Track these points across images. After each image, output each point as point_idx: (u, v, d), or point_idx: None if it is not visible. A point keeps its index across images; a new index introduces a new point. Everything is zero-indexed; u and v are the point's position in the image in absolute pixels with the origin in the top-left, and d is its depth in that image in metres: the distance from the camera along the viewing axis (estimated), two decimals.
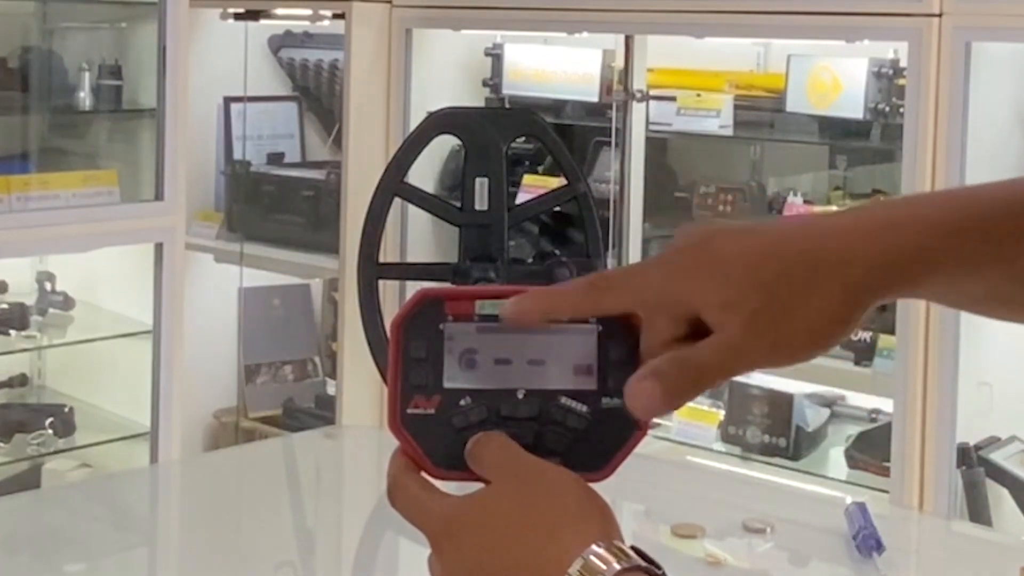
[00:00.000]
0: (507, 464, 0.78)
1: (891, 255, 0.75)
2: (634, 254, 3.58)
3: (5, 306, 3.55)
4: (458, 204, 1.87)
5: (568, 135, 3.72)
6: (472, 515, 0.77)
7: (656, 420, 3.72)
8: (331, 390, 4.10)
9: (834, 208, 3.38)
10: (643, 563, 0.74)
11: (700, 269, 0.75)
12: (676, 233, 0.78)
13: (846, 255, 0.74)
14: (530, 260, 1.95)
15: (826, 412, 3.41)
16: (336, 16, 3.88)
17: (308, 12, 4.06)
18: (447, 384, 0.82)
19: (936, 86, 2.90)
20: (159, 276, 3.39)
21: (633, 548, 0.74)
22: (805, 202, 3.42)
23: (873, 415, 3.35)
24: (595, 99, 3.75)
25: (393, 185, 1.89)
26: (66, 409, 3.50)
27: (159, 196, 3.40)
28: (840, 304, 0.74)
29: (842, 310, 0.74)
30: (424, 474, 0.82)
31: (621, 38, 3.55)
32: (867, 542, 1.73)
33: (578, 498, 0.76)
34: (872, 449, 3.20)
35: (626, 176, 3.55)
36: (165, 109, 3.39)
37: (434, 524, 0.78)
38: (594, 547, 0.73)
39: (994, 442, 3.00)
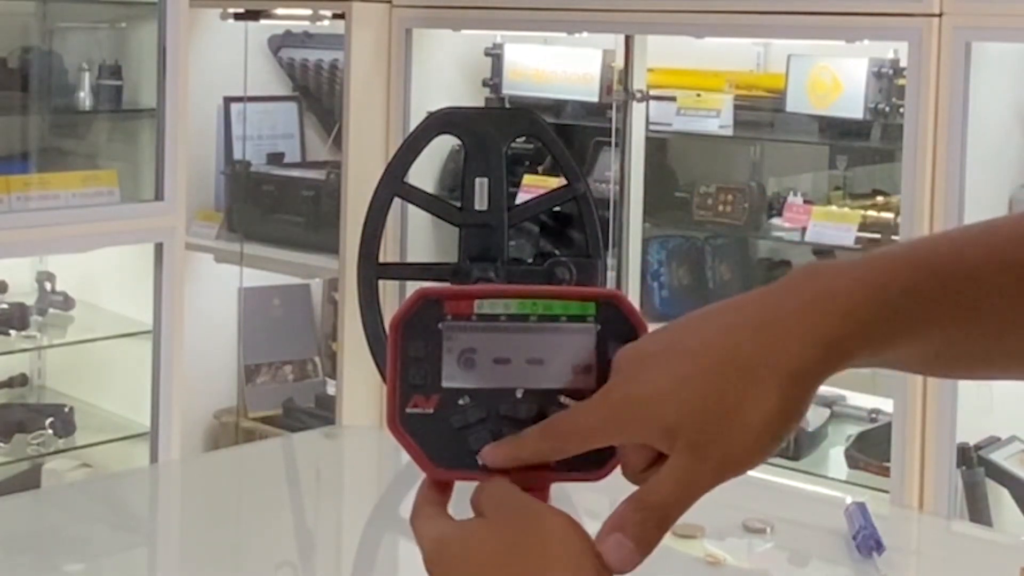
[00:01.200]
0: (507, 502, 0.78)
1: (825, 335, 0.72)
2: (634, 254, 3.58)
3: (5, 306, 3.55)
4: (458, 204, 1.87)
5: (568, 135, 3.72)
6: (463, 547, 0.77)
7: None
8: (331, 390, 4.10)
9: (833, 208, 3.38)
10: None
11: (634, 404, 0.75)
12: (614, 362, 0.78)
13: (774, 348, 0.72)
14: (530, 260, 1.95)
15: (826, 412, 3.41)
16: (336, 16, 3.88)
17: (308, 12, 4.06)
18: (446, 383, 0.82)
19: (936, 86, 2.90)
20: (159, 276, 3.39)
21: None
22: (805, 202, 3.42)
23: (873, 415, 3.35)
24: (595, 99, 3.75)
25: (393, 185, 1.89)
26: (66, 409, 3.50)
27: (159, 196, 3.40)
28: (777, 401, 0.72)
29: (781, 406, 0.73)
30: (423, 473, 0.82)
31: (621, 38, 3.55)
32: (867, 542, 1.73)
33: (572, 542, 0.75)
34: (872, 449, 3.20)
35: (626, 176, 3.55)
36: (165, 109, 3.39)
37: (428, 548, 0.78)
38: None
39: (994, 442, 3.00)
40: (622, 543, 0.74)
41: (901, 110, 3.09)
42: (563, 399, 0.81)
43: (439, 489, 0.82)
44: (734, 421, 0.72)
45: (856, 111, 3.32)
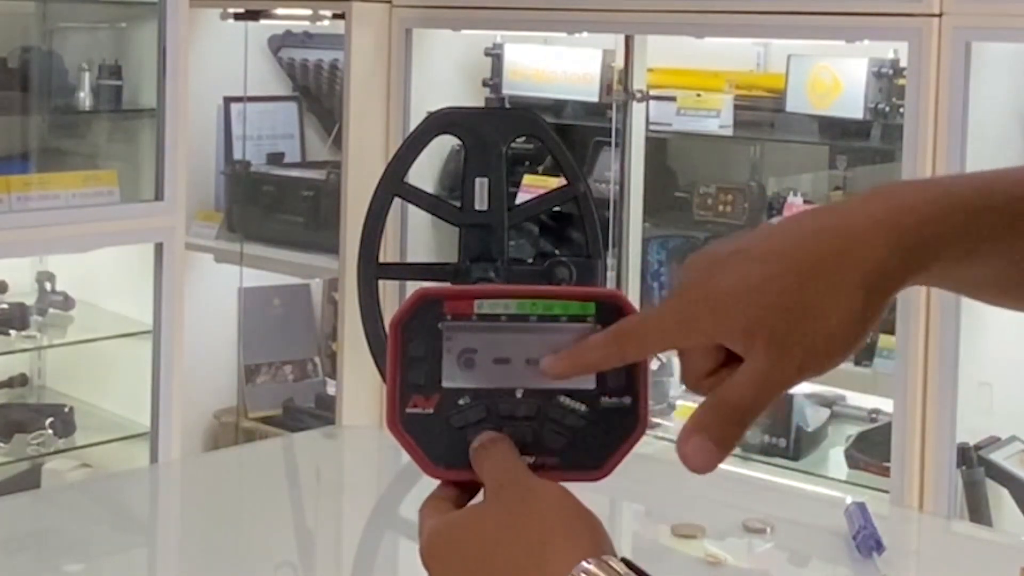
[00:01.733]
0: (501, 477, 0.78)
1: (906, 242, 0.74)
2: (634, 254, 3.58)
3: (5, 306, 3.55)
4: (458, 204, 1.87)
5: (568, 135, 3.72)
6: (460, 532, 0.77)
7: (656, 420, 3.68)
8: (331, 390, 4.10)
9: None
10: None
11: (711, 303, 0.75)
12: (683, 267, 0.77)
13: (856, 253, 0.73)
14: (530, 260, 1.95)
15: (826, 412, 3.41)
16: (336, 16, 3.88)
17: (308, 12, 4.06)
18: (446, 383, 0.82)
19: (936, 86, 2.90)
20: (159, 276, 3.39)
21: (624, 561, 0.74)
22: (805, 202, 3.42)
23: (873, 415, 3.35)
24: (595, 99, 3.75)
25: (393, 185, 1.89)
26: (66, 409, 3.50)
27: (159, 196, 3.40)
28: (860, 303, 0.73)
29: (863, 308, 0.73)
30: (423, 472, 0.82)
31: (621, 38, 3.55)
32: (867, 542, 1.73)
33: (568, 514, 0.76)
34: (872, 449, 3.20)
35: (626, 176, 3.55)
36: (165, 109, 3.39)
37: (424, 541, 0.78)
38: (584, 564, 0.73)
39: (994, 442, 3.00)
40: (703, 444, 0.74)
41: (901, 110, 3.09)
42: (563, 399, 0.81)
43: (453, 487, 0.81)
44: (815, 322, 0.73)
45: (856, 111, 3.32)
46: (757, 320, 0.73)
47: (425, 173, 3.72)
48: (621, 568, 0.73)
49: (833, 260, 0.73)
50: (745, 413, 0.74)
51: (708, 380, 0.77)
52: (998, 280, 0.79)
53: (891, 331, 3.03)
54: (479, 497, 0.80)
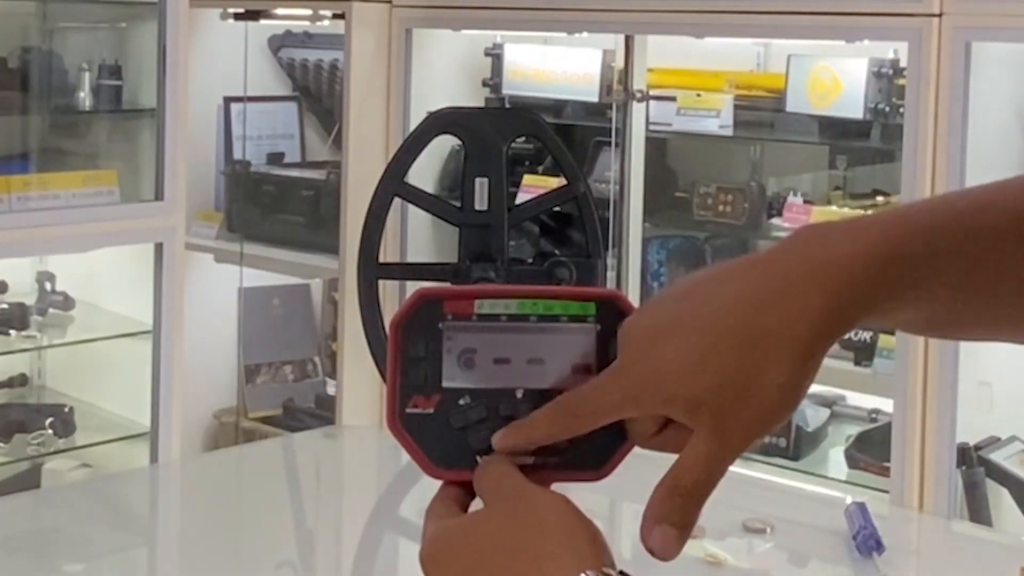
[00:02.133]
0: (502, 488, 0.78)
1: (837, 302, 0.74)
2: (634, 254, 3.58)
3: (5, 306, 3.55)
4: (458, 204, 1.87)
5: (568, 135, 3.72)
6: (458, 540, 0.77)
7: None
8: (331, 390, 4.10)
9: (833, 208, 3.38)
10: None
11: (656, 380, 0.76)
12: (622, 335, 0.78)
13: (789, 321, 0.74)
14: (530, 260, 1.95)
15: (826, 412, 3.41)
16: (336, 16, 3.88)
17: (308, 12, 4.06)
18: (446, 383, 0.82)
19: (936, 86, 2.90)
20: (159, 276, 3.39)
21: (622, 573, 0.74)
22: (805, 202, 3.42)
23: (873, 415, 3.35)
24: (595, 99, 3.75)
25: (393, 185, 1.89)
26: (66, 409, 3.50)
27: (159, 196, 3.40)
28: (796, 371, 0.74)
29: (799, 375, 0.74)
30: (423, 472, 0.82)
31: (621, 38, 3.55)
32: (867, 542, 1.73)
33: (568, 525, 0.76)
34: (872, 449, 3.20)
35: (626, 176, 3.55)
36: (165, 109, 3.39)
37: (423, 548, 0.78)
38: (583, 575, 0.73)
39: (994, 442, 3.00)
40: (668, 532, 0.76)
41: (901, 110, 3.08)
42: None
43: (457, 488, 0.81)
44: (755, 395, 0.74)
45: (856, 111, 3.32)
46: (700, 397, 0.74)
47: (425, 173, 3.72)
48: None
49: (765, 328, 0.74)
50: (700, 493, 0.76)
51: (656, 439, 0.79)
52: (938, 320, 0.79)
53: (891, 331, 3.03)
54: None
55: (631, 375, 0.77)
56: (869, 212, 3.27)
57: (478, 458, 0.81)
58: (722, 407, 0.74)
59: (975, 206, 0.78)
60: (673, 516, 0.76)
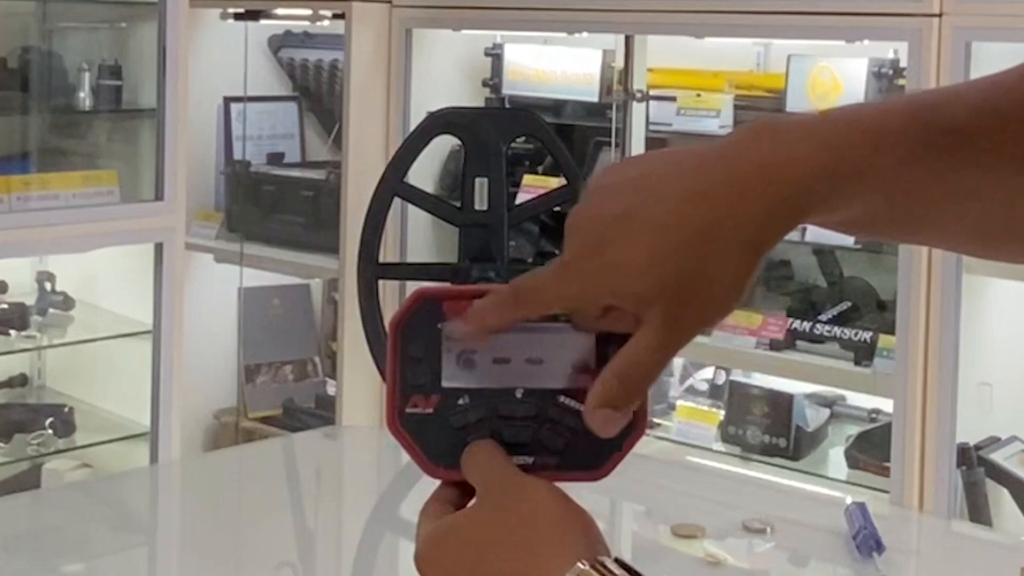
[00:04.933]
0: (492, 480, 0.79)
1: (785, 193, 0.76)
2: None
3: (5, 306, 3.55)
4: (458, 204, 1.87)
5: (568, 135, 3.72)
6: (451, 537, 0.77)
7: (656, 420, 3.66)
8: (331, 390, 4.10)
9: None
10: None
11: (607, 271, 0.77)
12: (569, 227, 0.80)
13: (738, 216, 0.75)
14: (530, 260, 1.95)
15: (826, 412, 3.41)
16: (336, 16, 3.88)
17: (308, 12, 4.06)
18: (445, 384, 0.82)
19: (936, 86, 2.90)
20: (159, 276, 3.39)
21: (618, 561, 0.74)
22: None
23: (873, 415, 3.35)
24: (595, 99, 3.75)
25: (393, 185, 1.89)
26: (66, 409, 3.50)
27: (159, 196, 3.40)
28: (742, 265, 0.76)
29: (745, 268, 0.76)
30: (423, 473, 0.82)
31: (621, 38, 3.55)
32: (867, 542, 1.73)
33: (560, 514, 0.76)
34: (872, 449, 3.20)
35: None
36: (165, 109, 3.39)
37: (417, 548, 0.78)
38: (579, 565, 0.73)
39: (994, 442, 3.00)
40: (611, 415, 0.78)
41: None
42: (563, 399, 0.81)
43: (453, 488, 0.81)
44: (703, 289, 0.76)
45: None
46: (651, 290, 0.76)
47: (425, 173, 3.72)
48: (616, 569, 0.73)
49: (717, 226, 0.76)
50: (645, 381, 0.78)
51: (600, 322, 0.80)
52: (869, 220, 0.80)
53: (891, 331, 3.03)
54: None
55: (582, 269, 0.78)
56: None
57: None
58: (672, 302, 0.76)
59: (932, 104, 0.79)
60: (617, 400, 0.78)
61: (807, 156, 0.76)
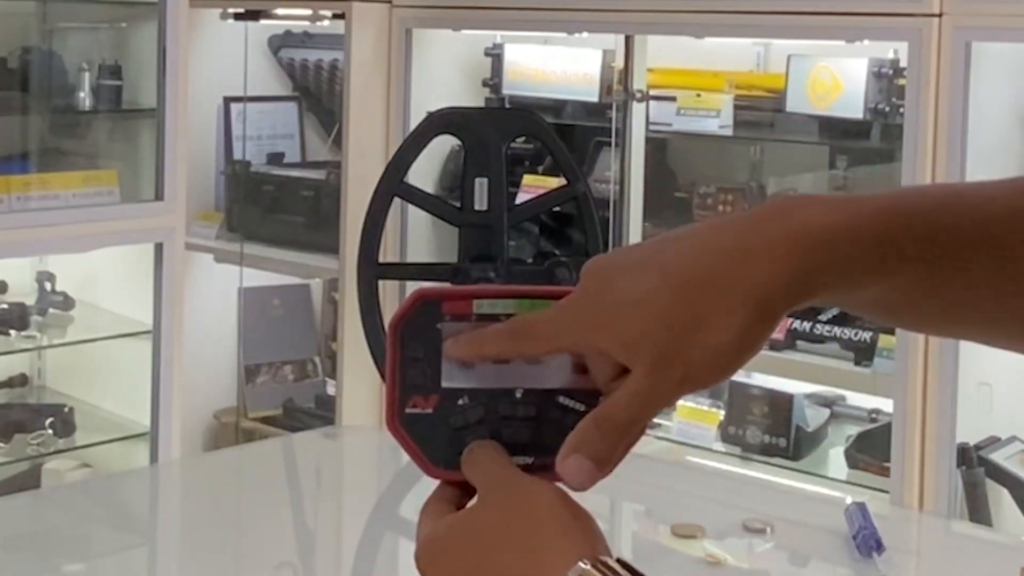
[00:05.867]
0: (493, 480, 0.78)
1: (799, 267, 0.74)
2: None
3: (5, 306, 3.55)
4: (458, 204, 1.87)
5: (568, 135, 3.72)
6: (453, 536, 0.77)
7: (656, 420, 3.67)
8: (331, 390, 4.10)
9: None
10: None
11: (599, 314, 0.76)
12: (583, 271, 0.78)
13: (747, 272, 0.74)
14: (530, 260, 1.95)
15: (826, 412, 3.41)
16: (336, 16, 3.88)
17: (308, 12, 4.06)
18: (445, 384, 0.82)
19: (936, 86, 2.90)
20: (159, 276, 3.39)
21: (620, 561, 0.74)
22: None
23: (873, 415, 3.35)
24: (595, 99, 3.75)
25: (393, 185, 1.89)
26: (66, 409, 3.50)
27: (159, 196, 3.40)
28: (745, 320, 0.74)
29: (748, 325, 0.74)
30: (423, 473, 0.82)
31: (621, 38, 3.55)
32: (867, 542, 1.73)
33: (561, 513, 0.76)
34: (872, 449, 3.20)
35: (626, 176, 3.55)
36: (165, 109, 3.39)
37: (418, 547, 0.78)
38: (580, 564, 0.73)
39: (994, 442, 3.00)
40: (582, 463, 0.76)
41: (901, 110, 3.09)
42: (562, 399, 0.81)
43: (453, 488, 0.81)
44: (698, 337, 0.73)
45: (856, 111, 3.32)
46: (640, 334, 0.74)
47: (425, 173, 3.72)
48: (618, 568, 0.73)
49: (723, 277, 0.73)
50: (626, 428, 0.75)
51: (614, 383, 0.77)
52: (893, 305, 0.79)
53: (891, 331, 3.03)
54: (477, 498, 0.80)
55: (581, 309, 0.77)
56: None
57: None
58: (662, 347, 0.73)
59: (960, 200, 0.78)
60: (593, 448, 0.75)
61: (833, 225, 0.74)
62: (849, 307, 0.80)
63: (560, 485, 0.78)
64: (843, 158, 3.48)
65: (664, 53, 3.63)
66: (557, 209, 2.09)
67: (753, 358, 0.75)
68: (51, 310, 3.63)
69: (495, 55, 3.93)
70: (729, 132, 3.56)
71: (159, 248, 3.39)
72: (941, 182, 2.64)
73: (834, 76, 3.37)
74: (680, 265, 0.74)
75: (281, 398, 4.25)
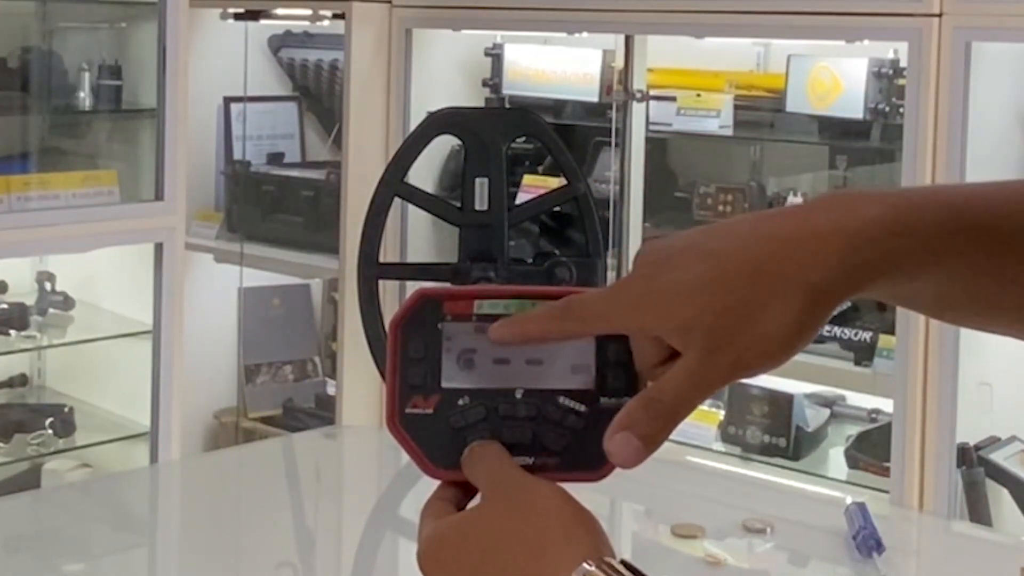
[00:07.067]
0: (496, 480, 0.78)
1: (853, 257, 0.74)
2: (634, 254, 3.57)
3: (5, 306, 3.55)
4: (458, 204, 1.87)
5: (568, 135, 3.72)
6: (456, 536, 0.77)
7: None
8: (331, 390, 4.10)
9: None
10: None
11: (654, 297, 0.76)
12: (637, 254, 0.79)
13: (802, 260, 0.74)
14: (530, 260, 1.95)
15: (826, 412, 3.41)
16: (336, 16, 3.88)
17: (308, 12, 4.06)
18: (445, 384, 0.81)
19: (936, 86, 2.90)
20: (159, 276, 3.39)
21: (624, 563, 0.74)
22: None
23: (873, 415, 3.35)
24: (595, 99, 3.75)
25: (393, 185, 1.89)
26: (66, 409, 3.50)
27: (159, 196, 3.40)
28: (799, 308, 0.74)
29: (802, 313, 0.74)
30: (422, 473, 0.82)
31: (621, 38, 3.55)
32: (867, 542, 1.73)
33: (565, 516, 0.76)
34: (872, 449, 3.20)
35: (626, 176, 3.55)
36: (165, 109, 3.39)
37: (420, 547, 0.78)
38: (584, 565, 0.73)
39: (994, 442, 3.00)
40: (629, 441, 0.76)
41: (901, 110, 3.09)
42: (563, 399, 0.81)
43: (454, 488, 0.81)
44: (751, 327, 0.74)
45: (856, 111, 3.32)
46: (694, 317, 0.74)
47: (425, 173, 3.72)
48: (622, 570, 0.73)
49: (777, 264, 0.74)
50: (675, 410, 0.76)
51: (658, 368, 0.78)
52: (942, 298, 0.79)
53: (891, 331, 3.03)
54: (478, 498, 0.80)
55: (633, 291, 0.77)
56: None
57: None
58: (714, 329, 0.74)
59: (1010, 195, 0.79)
60: (641, 427, 0.76)
61: (885, 218, 0.75)
62: (896, 300, 0.81)
63: (563, 485, 0.79)
64: (843, 158, 3.48)
65: (664, 53, 3.63)
66: (557, 209, 2.09)
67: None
68: (51, 310, 3.63)
69: (495, 55, 3.93)
70: (729, 132, 3.56)
71: (159, 248, 3.39)
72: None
73: (834, 76, 3.37)
74: (736, 252, 0.75)
75: (281, 398, 4.25)
